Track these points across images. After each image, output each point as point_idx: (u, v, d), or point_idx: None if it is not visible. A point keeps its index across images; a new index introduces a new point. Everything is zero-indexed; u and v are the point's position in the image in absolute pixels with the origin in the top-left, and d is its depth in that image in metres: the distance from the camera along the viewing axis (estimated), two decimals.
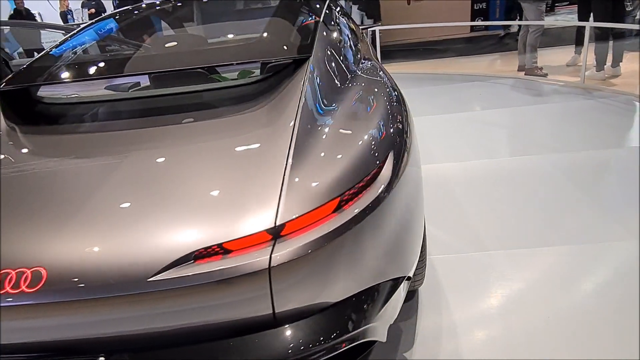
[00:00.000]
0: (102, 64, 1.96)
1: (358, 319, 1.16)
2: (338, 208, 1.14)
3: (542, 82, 5.42)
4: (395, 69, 7.58)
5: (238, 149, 1.33)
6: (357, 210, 1.15)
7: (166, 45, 2.16)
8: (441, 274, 2.16)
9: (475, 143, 3.78)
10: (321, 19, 2.03)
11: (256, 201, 1.11)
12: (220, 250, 1.05)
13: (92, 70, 1.86)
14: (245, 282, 1.03)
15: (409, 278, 1.60)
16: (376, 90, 1.73)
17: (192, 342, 1.07)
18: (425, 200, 2.75)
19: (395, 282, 1.32)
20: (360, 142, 1.31)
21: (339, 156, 1.24)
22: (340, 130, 1.36)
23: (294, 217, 1.08)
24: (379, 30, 7.04)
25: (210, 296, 1.04)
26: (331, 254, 1.11)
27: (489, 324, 1.84)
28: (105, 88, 2.02)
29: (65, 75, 1.84)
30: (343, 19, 3.07)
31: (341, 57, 1.83)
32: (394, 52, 8.38)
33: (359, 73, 1.84)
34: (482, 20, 9.31)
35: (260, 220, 1.07)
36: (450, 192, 2.97)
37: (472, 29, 9.64)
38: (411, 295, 2.01)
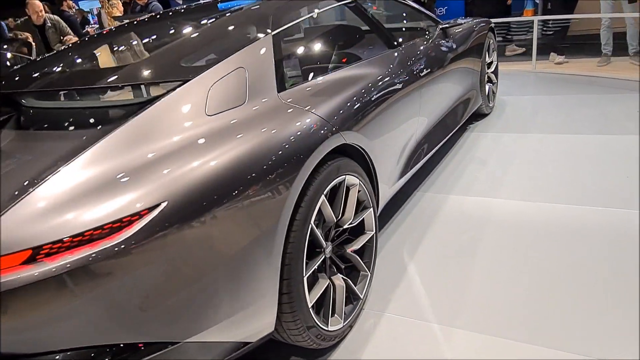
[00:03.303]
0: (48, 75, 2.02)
1: None
2: (31, 260, 1.09)
3: None
4: (555, 69, 6.32)
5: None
6: (58, 265, 1.09)
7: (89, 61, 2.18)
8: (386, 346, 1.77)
9: (578, 179, 2.93)
10: (274, 32, 1.81)
11: None
12: None
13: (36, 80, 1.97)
14: None
15: (246, 343, 1.46)
16: (230, 126, 1.47)
17: None
18: (445, 248, 2.29)
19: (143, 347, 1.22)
20: (103, 190, 1.20)
21: (61, 204, 1.16)
22: (99, 176, 1.23)
23: None
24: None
25: None
26: (13, 307, 1.08)
27: None
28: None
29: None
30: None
31: (251, 82, 1.60)
32: (570, 46, 7.01)
33: (267, 98, 1.62)
34: None
35: None
36: (490, 241, 2.38)
37: None
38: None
